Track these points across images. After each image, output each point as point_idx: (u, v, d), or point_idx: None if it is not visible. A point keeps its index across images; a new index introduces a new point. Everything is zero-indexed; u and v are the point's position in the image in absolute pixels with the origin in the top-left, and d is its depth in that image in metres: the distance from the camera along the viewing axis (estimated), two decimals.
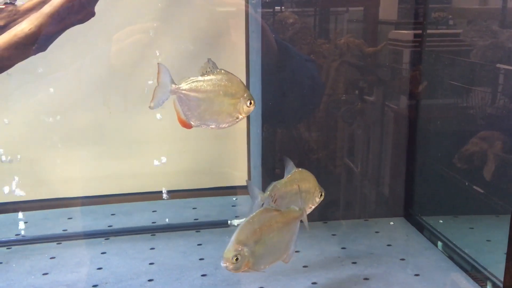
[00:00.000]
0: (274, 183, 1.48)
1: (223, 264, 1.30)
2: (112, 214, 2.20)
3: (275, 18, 2.00)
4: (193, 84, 1.29)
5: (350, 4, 2.06)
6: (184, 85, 1.29)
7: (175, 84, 1.28)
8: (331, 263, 1.79)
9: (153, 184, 2.34)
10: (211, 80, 1.29)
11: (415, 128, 2.11)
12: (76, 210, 2.21)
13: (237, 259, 1.28)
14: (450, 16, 2.08)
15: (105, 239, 1.98)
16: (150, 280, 1.68)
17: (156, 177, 2.34)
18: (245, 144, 2.41)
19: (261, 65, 1.99)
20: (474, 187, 1.95)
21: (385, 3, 2.08)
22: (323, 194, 1.52)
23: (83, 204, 2.25)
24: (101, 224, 2.09)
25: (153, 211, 2.23)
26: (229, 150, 2.43)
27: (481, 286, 1.63)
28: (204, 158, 2.39)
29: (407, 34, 2.09)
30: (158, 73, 1.29)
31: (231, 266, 1.29)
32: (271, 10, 2.01)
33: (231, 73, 1.32)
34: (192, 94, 1.29)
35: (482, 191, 1.92)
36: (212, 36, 2.24)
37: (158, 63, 1.29)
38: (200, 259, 1.81)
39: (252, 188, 1.48)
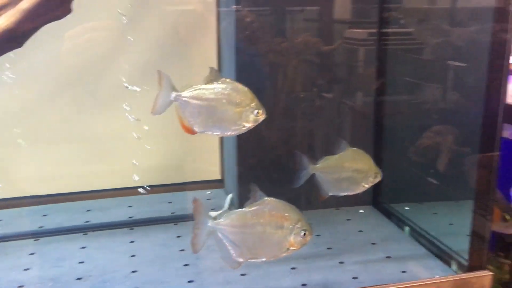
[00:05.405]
0: (325, 157, 1.55)
1: (309, 237, 1.37)
2: (87, 210, 2.20)
3: (233, 17, 2.02)
4: (195, 92, 1.32)
5: (306, 4, 2.10)
6: (186, 93, 1.32)
7: (176, 91, 1.32)
8: (307, 249, 1.82)
9: (126, 180, 2.35)
10: (213, 88, 1.32)
11: (380, 123, 2.21)
12: (50, 208, 2.20)
13: None
14: (401, 16, 2.18)
15: (84, 234, 1.99)
16: (133, 272, 1.71)
17: (128, 173, 2.35)
18: (217, 139, 2.46)
19: (236, 62, 2.04)
20: (429, 178, 2.06)
21: (339, 3, 2.16)
22: (379, 175, 1.58)
23: (56, 202, 2.24)
24: (78, 220, 2.10)
25: (129, 206, 2.25)
26: (201, 145, 2.47)
27: (447, 265, 1.75)
28: (175, 154, 2.42)
29: (362, 33, 2.17)
30: (160, 79, 1.32)
31: None
32: (229, 8, 2.04)
33: (237, 83, 1.35)
34: (194, 101, 1.32)
35: (436, 182, 2.03)
36: (182, 33, 2.28)
37: (158, 71, 1.32)
38: (181, 250, 1.85)
39: (301, 158, 1.52)
